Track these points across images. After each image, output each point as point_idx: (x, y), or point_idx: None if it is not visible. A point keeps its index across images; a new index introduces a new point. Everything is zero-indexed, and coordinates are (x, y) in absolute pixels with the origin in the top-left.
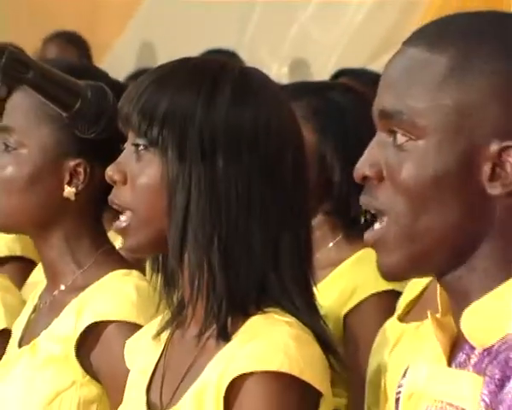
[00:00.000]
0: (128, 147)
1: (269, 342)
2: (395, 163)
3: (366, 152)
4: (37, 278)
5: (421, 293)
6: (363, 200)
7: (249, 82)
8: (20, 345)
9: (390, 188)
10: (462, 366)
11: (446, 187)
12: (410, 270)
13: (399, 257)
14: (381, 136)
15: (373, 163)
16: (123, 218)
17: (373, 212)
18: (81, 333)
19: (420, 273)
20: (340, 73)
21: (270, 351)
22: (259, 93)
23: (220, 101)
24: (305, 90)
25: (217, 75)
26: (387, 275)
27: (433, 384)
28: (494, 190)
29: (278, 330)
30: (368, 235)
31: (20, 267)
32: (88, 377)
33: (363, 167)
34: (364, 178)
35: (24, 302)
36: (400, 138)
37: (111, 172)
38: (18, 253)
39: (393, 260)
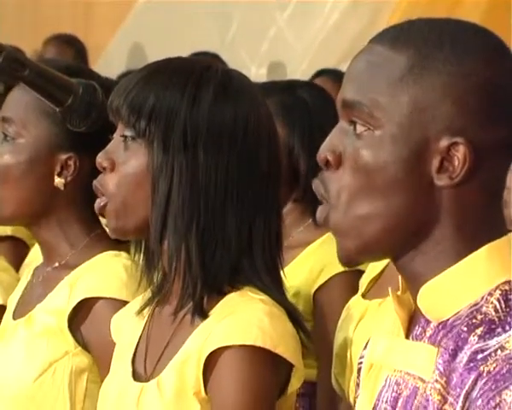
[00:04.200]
0: (117, 137)
1: (244, 318)
2: (353, 150)
3: (328, 138)
4: (35, 257)
5: (382, 271)
6: (315, 184)
7: (230, 82)
8: (13, 317)
9: (344, 175)
10: (418, 338)
11: (397, 175)
12: (364, 255)
13: (351, 243)
14: (342, 124)
15: (333, 149)
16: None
17: (319, 198)
18: (73, 307)
19: (373, 258)
20: (320, 73)
21: (245, 326)
22: (239, 93)
23: (203, 98)
24: (275, 88)
25: (201, 75)
26: (343, 261)
27: (392, 355)
28: (441, 181)
29: (253, 307)
30: (318, 213)
31: (11, 247)
32: (79, 348)
33: (324, 152)
34: (327, 162)
35: (19, 280)
36: (359, 128)
37: (100, 159)
38: (9, 233)
39: (346, 246)
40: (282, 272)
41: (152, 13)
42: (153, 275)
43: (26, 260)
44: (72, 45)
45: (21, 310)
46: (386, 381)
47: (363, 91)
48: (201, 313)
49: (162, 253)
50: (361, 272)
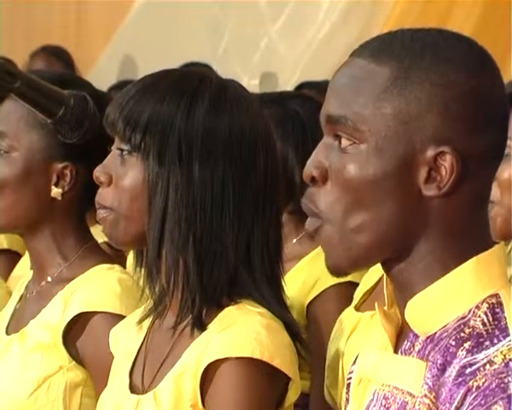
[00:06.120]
0: (114, 151)
1: (242, 331)
2: (339, 165)
3: (313, 155)
4: (22, 271)
5: (376, 284)
6: (303, 203)
7: (225, 94)
8: (7, 333)
9: (332, 190)
10: (407, 352)
11: (385, 188)
12: (353, 266)
13: (342, 255)
14: (327, 140)
15: (318, 165)
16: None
17: (310, 216)
18: (68, 322)
19: (363, 267)
20: (303, 85)
21: (243, 339)
22: (234, 104)
23: (198, 111)
24: (265, 100)
25: (196, 87)
26: (334, 272)
27: (380, 370)
28: (429, 191)
29: (250, 320)
30: (308, 224)
31: (7, 260)
32: (74, 362)
33: (309, 169)
34: (312, 178)
35: (10, 294)
36: (344, 142)
37: (98, 173)
38: (5, 246)
39: (337, 258)
40: (283, 282)
41: (144, 25)
42: (155, 287)
43: (13, 273)
44: (60, 57)
45: (15, 325)
46: (373, 395)
47: (347, 105)
48: (200, 325)
49: (160, 267)
50: (355, 285)
